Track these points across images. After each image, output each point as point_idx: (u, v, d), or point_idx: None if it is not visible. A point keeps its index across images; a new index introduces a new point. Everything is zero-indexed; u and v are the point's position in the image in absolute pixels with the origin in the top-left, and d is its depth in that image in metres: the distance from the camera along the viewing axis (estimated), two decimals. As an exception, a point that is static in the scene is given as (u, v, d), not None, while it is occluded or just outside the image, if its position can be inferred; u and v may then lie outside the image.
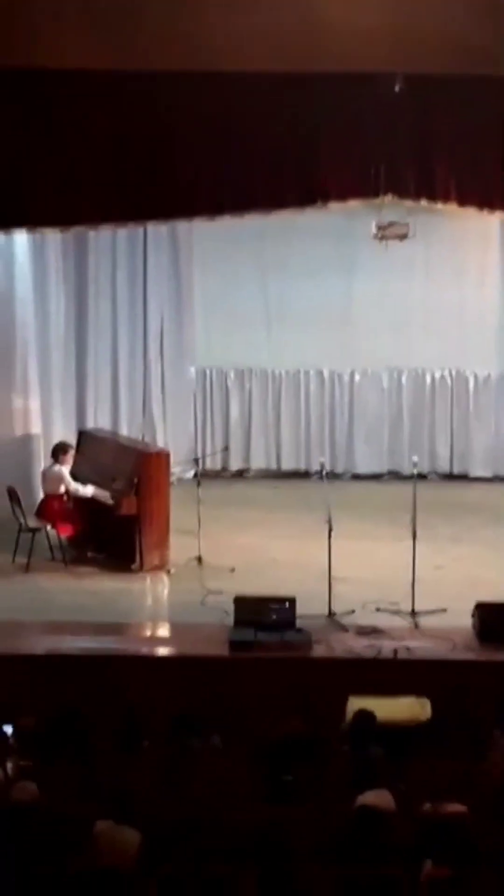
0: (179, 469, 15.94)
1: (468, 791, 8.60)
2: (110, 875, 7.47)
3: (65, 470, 14.16)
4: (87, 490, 14.08)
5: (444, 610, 12.40)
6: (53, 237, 15.34)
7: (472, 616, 12.01)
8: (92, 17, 11.90)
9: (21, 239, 15.04)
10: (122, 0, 11.88)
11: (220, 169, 12.89)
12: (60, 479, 14.10)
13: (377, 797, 8.33)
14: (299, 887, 7.29)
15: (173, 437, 16.98)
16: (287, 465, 17.55)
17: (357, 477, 17.41)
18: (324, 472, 13.63)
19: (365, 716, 9.78)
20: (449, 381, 17.46)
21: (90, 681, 11.12)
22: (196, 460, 15.15)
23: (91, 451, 14.78)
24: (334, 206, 13.18)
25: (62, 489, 14.09)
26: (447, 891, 7.34)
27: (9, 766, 9.19)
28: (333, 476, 16.28)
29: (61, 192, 12.85)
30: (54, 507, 14.09)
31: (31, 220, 13.29)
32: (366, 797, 8.31)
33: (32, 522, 14.01)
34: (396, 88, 12.33)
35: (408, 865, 7.56)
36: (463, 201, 13.09)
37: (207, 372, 17.45)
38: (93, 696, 10.68)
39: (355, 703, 10.41)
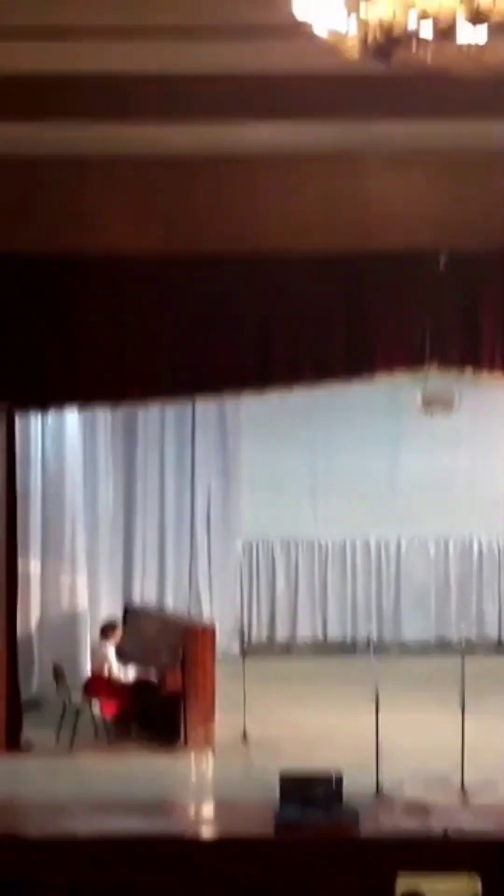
0: (225, 643, 15.86)
1: None
2: None
3: (110, 650, 14.10)
4: (129, 674, 14.02)
5: (495, 785, 12.16)
6: (103, 416, 15.56)
7: (524, 792, 11.77)
8: (141, 203, 12.24)
9: (71, 417, 15.27)
10: (170, 186, 12.21)
11: (268, 343, 13.09)
12: (105, 658, 14.04)
13: None
14: None
15: (219, 610, 16.94)
16: (333, 635, 17.44)
17: (404, 647, 17.25)
18: (371, 644, 13.50)
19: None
20: (496, 549, 17.39)
21: (132, 862, 10.90)
22: (242, 633, 15.05)
23: (137, 626, 14.75)
24: (380, 377, 13.31)
25: (107, 669, 14.02)
26: None
27: None
28: (380, 647, 16.12)
29: (110, 369, 13.06)
30: (99, 684, 13.99)
31: (80, 397, 13.50)
32: None
33: (77, 699, 13.90)
34: (441, 265, 12.53)
35: None
36: (508, 372, 13.20)
37: (253, 544, 17.47)
38: (136, 877, 10.47)
39: (405, 882, 10.16)
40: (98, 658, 14.15)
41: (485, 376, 13.30)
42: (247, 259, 12.51)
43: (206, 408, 16.74)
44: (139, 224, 12.33)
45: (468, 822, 11.48)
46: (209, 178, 12.23)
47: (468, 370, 13.21)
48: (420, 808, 11.76)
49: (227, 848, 11.29)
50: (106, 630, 14.30)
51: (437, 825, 11.37)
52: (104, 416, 15.87)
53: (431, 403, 13.59)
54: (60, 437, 15.51)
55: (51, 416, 14.96)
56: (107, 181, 12.28)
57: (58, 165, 12.19)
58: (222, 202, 12.23)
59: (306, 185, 12.18)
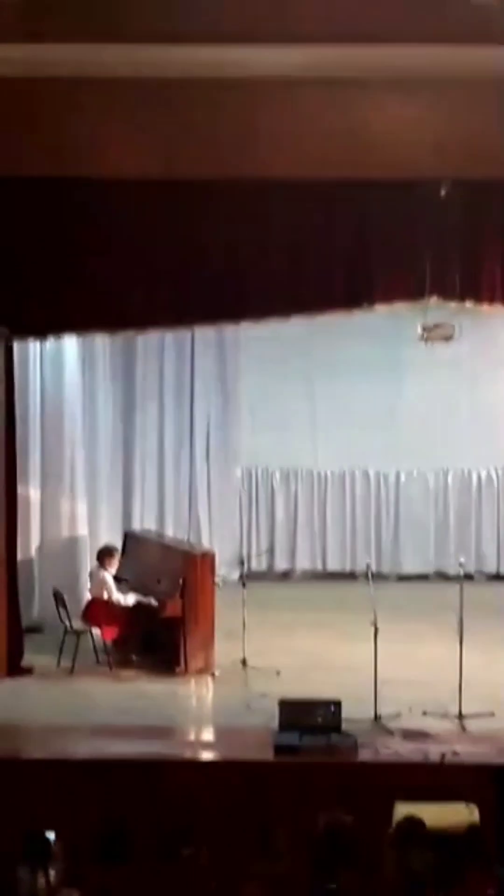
0: (224, 570, 15.92)
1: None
2: None
3: (108, 576, 14.17)
4: (129, 599, 14.09)
5: (492, 713, 12.27)
6: (102, 341, 15.52)
7: (521, 719, 11.88)
8: (141, 126, 12.09)
9: (70, 343, 15.21)
10: (170, 109, 12.04)
11: (267, 272, 13.05)
12: (104, 584, 14.11)
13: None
14: None
15: (219, 538, 17.00)
16: (332, 565, 17.50)
17: (403, 577, 17.32)
18: (370, 573, 13.56)
19: (413, 822, 9.62)
20: (495, 480, 17.41)
21: (133, 785, 11.02)
22: (241, 562, 15.14)
23: (136, 553, 14.82)
24: (380, 307, 13.29)
25: (106, 595, 14.10)
26: None
27: (52, 872, 9.10)
28: (379, 577, 16.21)
29: (109, 296, 13.01)
30: (99, 609, 14.08)
31: (80, 324, 13.47)
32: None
33: (77, 625, 14.01)
34: (442, 194, 12.47)
35: None
36: (508, 303, 13.18)
37: (253, 472, 17.49)
38: (136, 800, 10.59)
39: (402, 809, 10.27)
40: (97, 583, 14.22)
41: (485, 307, 13.28)
42: (246, 186, 12.40)
43: (205, 336, 16.69)
44: (137, 148, 12.15)
45: (465, 750, 11.59)
46: (208, 103, 12.03)
47: (469, 301, 13.17)
48: (418, 736, 11.86)
49: (226, 772, 11.42)
50: (103, 555, 14.35)
51: (434, 752, 11.49)
52: (103, 344, 15.83)
53: (431, 334, 13.53)
54: (59, 364, 15.48)
55: (49, 343, 14.90)
56: (105, 104, 12.07)
57: (55, 87, 11.99)
58: (221, 127, 12.07)
59: (307, 110, 12.01)
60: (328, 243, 12.98)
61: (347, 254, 13.02)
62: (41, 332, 13.75)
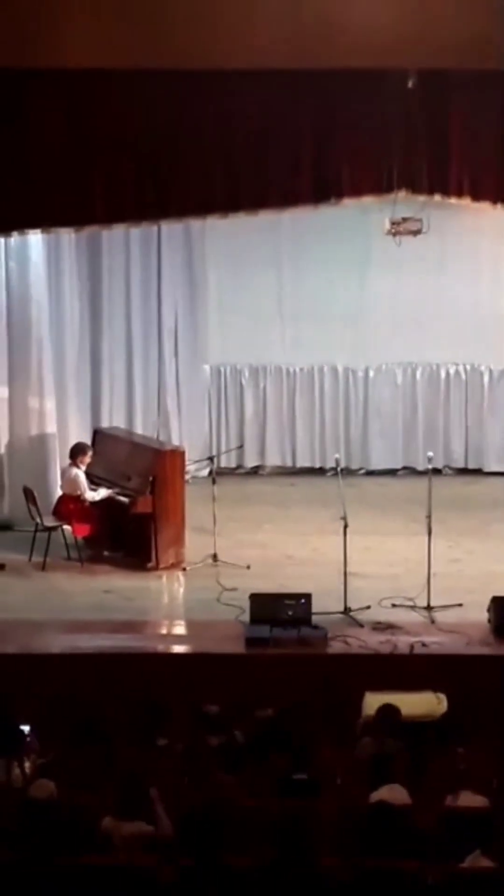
0: (194, 467, 15.94)
1: (488, 784, 8.64)
2: (126, 870, 7.51)
3: (81, 473, 14.18)
4: (99, 494, 14.11)
5: (461, 605, 12.43)
6: (68, 237, 15.38)
7: (488, 611, 12.01)
8: (104, 15, 11.89)
9: (35, 240, 15.05)
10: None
11: (234, 166, 12.94)
12: (76, 481, 14.13)
13: (391, 792, 8.34)
14: (319, 877, 7.31)
15: (188, 434, 16.98)
16: (302, 461, 17.54)
17: (372, 473, 17.40)
18: (339, 469, 13.61)
19: (389, 711, 9.79)
20: (463, 375, 17.43)
21: (106, 679, 11.13)
22: (211, 458, 15.18)
23: (106, 449, 14.81)
24: (348, 202, 13.21)
25: (78, 491, 14.13)
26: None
27: (27, 764, 9.23)
28: (348, 472, 16.33)
29: (74, 192, 12.88)
30: (70, 506, 14.12)
31: (44, 220, 13.32)
32: (380, 793, 8.33)
33: (48, 521, 14.05)
34: (410, 84, 12.35)
35: (432, 858, 7.59)
36: (477, 196, 13.12)
37: (222, 369, 17.46)
38: (109, 693, 10.70)
39: (371, 699, 10.42)
40: (68, 480, 14.23)
41: (453, 201, 13.21)
42: (211, 76, 12.23)
43: (171, 231, 16.52)
44: (101, 38, 11.96)
45: (434, 641, 11.73)
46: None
47: (437, 195, 13.09)
48: (387, 627, 12.00)
49: (199, 664, 11.55)
50: (76, 452, 14.35)
51: (403, 644, 11.63)
52: (69, 239, 15.65)
53: (399, 228, 13.46)
54: (24, 261, 15.29)
55: (14, 239, 14.76)
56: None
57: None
58: (185, 16, 11.86)
59: (271, -1, 11.89)
60: (294, 137, 12.83)
61: (314, 147, 12.88)
62: (5, 229, 13.61)
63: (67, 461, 14.45)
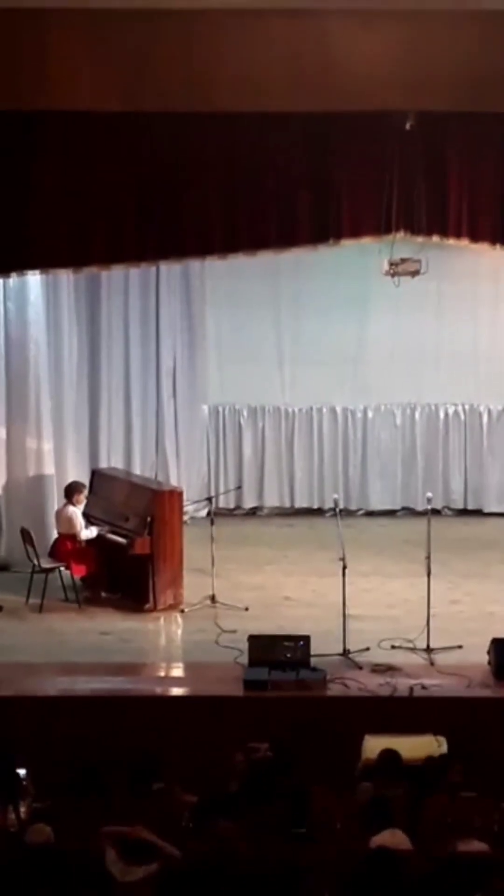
0: (193, 507, 15.92)
1: (489, 829, 8.56)
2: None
3: (77, 511, 14.16)
4: (92, 532, 14.07)
5: (460, 646, 12.36)
6: (66, 278, 15.39)
7: (488, 653, 11.94)
8: (103, 58, 11.93)
9: (34, 280, 15.07)
10: (133, 40, 11.87)
11: (233, 208, 12.98)
12: (72, 519, 14.09)
13: (392, 837, 8.26)
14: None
15: (186, 475, 16.97)
16: (301, 502, 17.51)
17: (371, 514, 17.37)
18: (337, 510, 13.57)
19: (390, 755, 9.72)
20: (462, 416, 17.44)
21: (103, 722, 11.05)
22: (209, 499, 15.16)
23: (104, 490, 14.78)
24: (347, 243, 13.23)
25: (75, 529, 14.08)
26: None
27: (22, 809, 9.14)
28: (347, 513, 16.30)
29: (73, 233, 12.88)
30: (67, 547, 14.08)
31: (43, 261, 13.32)
32: (381, 837, 8.25)
33: (46, 563, 14.00)
34: (408, 126, 12.40)
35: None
36: (475, 238, 13.14)
37: (220, 410, 17.45)
38: (106, 737, 10.63)
39: (371, 742, 10.35)
40: (65, 519, 14.19)
41: (451, 242, 13.24)
42: (211, 119, 12.28)
43: (170, 272, 16.56)
44: (100, 81, 12.00)
45: (434, 683, 11.66)
46: (171, 33, 11.86)
47: (435, 236, 13.12)
48: (386, 670, 11.93)
49: (197, 707, 11.47)
50: (71, 491, 14.32)
51: (402, 686, 11.56)
52: (67, 280, 15.67)
53: (398, 269, 13.48)
54: (23, 302, 15.31)
55: (13, 280, 14.77)
56: (66, 34, 11.88)
57: (15, 17, 11.82)
58: (185, 58, 11.91)
59: (272, 41, 11.85)
60: (293, 178, 12.87)
61: (313, 188, 12.91)
62: (3, 270, 13.62)
63: (62, 501, 14.41)
